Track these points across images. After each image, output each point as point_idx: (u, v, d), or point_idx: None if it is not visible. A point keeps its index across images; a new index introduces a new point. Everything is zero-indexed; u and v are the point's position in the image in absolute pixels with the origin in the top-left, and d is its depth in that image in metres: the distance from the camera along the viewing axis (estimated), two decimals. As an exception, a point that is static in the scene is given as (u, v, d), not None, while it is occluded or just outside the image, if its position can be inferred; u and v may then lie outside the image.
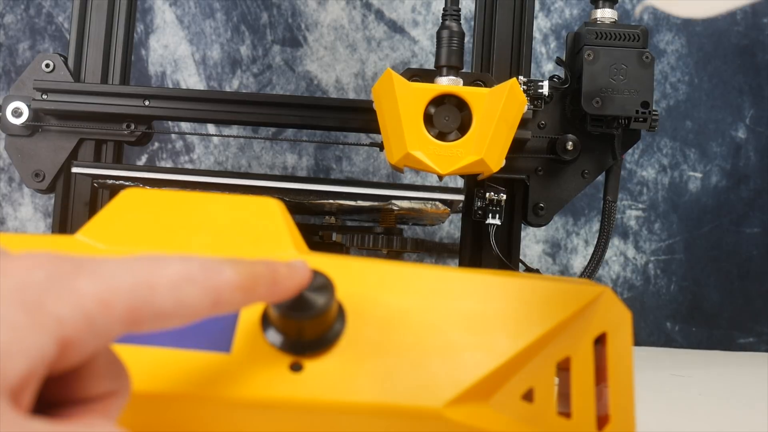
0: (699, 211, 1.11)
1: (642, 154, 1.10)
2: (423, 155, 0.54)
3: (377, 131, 0.58)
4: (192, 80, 1.05)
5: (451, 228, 1.05)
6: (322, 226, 0.60)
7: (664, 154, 1.11)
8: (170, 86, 1.05)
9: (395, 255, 0.61)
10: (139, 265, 0.22)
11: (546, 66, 1.08)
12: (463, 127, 0.55)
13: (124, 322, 0.21)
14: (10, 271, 0.21)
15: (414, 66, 1.08)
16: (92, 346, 0.21)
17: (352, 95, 1.06)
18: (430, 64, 1.08)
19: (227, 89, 1.05)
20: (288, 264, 0.27)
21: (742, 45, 1.12)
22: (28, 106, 0.64)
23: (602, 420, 0.32)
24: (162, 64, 1.06)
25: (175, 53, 1.06)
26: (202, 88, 1.05)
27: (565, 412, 0.31)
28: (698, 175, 1.11)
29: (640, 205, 1.11)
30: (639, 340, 1.09)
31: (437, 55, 0.58)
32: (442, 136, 0.55)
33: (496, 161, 0.55)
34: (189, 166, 1.01)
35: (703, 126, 1.11)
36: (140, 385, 0.28)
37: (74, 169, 0.55)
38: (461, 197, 0.43)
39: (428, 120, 0.55)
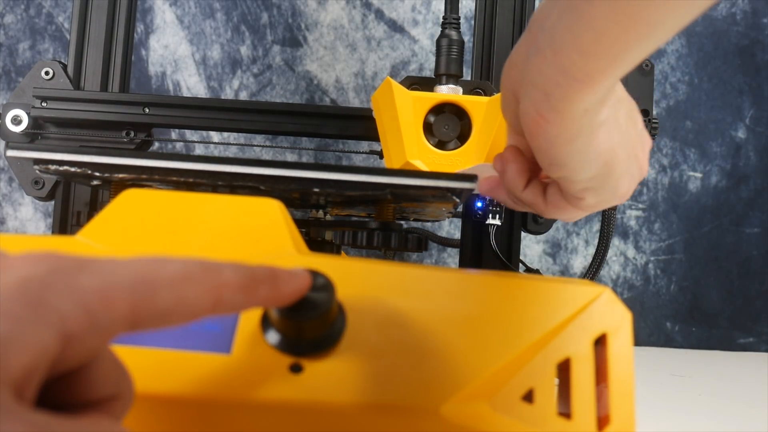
0: (699, 211, 1.11)
1: (642, 154, 1.10)
2: (422, 164, 0.54)
3: (376, 139, 0.58)
4: (192, 80, 1.05)
5: (451, 228, 1.05)
6: (308, 221, 0.58)
7: (664, 154, 1.11)
8: (170, 86, 1.05)
9: (393, 254, 0.60)
10: (140, 263, 0.23)
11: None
12: (463, 136, 0.55)
13: (125, 319, 0.21)
14: (11, 266, 0.21)
15: (414, 65, 1.08)
16: (94, 342, 0.21)
17: (352, 95, 1.07)
18: (430, 64, 1.08)
19: (227, 89, 1.05)
20: (289, 270, 0.27)
21: (742, 45, 1.12)
22: (28, 114, 0.64)
23: (602, 420, 0.32)
24: (162, 64, 1.06)
25: (176, 53, 1.06)
26: (202, 89, 1.05)
27: (566, 413, 0.31)
28: (698, 175, 1.11)
29: (640, 205, 1.11)
30: (639, 340, 1.09)
31: (437, 63, 0.58)
32: (441, 145, 0.55)
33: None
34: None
35: (703, 126, 1.11)
36: (141, 386, 0.28)
37: (9, 153, 0.46)
38: (473, 185, 0.41)
39: (428, 129, 0.55)
